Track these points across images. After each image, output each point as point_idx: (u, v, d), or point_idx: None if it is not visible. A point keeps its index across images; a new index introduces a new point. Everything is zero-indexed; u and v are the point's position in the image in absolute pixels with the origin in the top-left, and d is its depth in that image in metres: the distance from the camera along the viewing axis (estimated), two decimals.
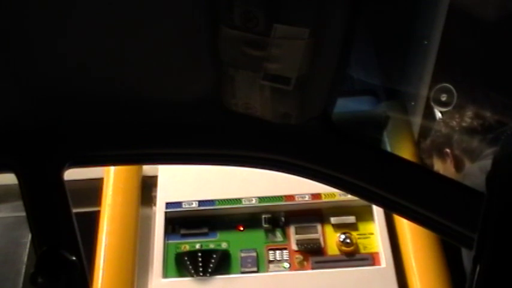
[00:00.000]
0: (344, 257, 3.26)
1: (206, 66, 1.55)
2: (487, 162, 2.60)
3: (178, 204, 3.39)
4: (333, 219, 3.34)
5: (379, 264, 3.22)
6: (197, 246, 3.29)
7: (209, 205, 3.40)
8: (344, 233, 3.29)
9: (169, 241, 3.31)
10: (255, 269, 3.23)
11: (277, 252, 3.28)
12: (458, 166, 2.85)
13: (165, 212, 3.37)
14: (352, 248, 3.27)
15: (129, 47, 1.51)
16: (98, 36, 1.48)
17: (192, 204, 3.40)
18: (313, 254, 3.27)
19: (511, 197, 0.98)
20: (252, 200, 3.39)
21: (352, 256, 3.26)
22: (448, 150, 2.90)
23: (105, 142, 1.76)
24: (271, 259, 3.26)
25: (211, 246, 3.30)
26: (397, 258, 3.23)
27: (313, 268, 3.24)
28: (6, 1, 1.38)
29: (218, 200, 3.40)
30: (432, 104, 3.34)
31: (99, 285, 3.10)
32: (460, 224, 1.61)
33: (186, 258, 3.24)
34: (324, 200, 3.37)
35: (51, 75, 1.58)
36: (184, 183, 3.45)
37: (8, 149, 1.76)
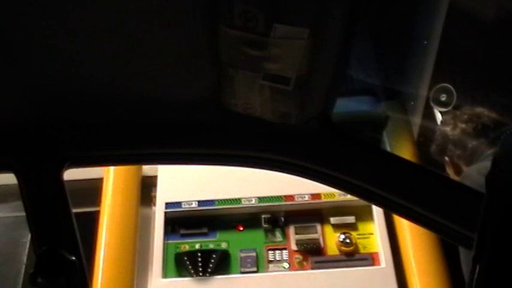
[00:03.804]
0: (344, 257, 3.26)
1: (206, 66, 1.55)
2: (484, 164, 2.61)
3: (178, 204, 3.39)
4: (333, 219, 3.34)
5: (379, 264, 3.22)
6: (197, 246, 3.30)
7: (209, 205, 3.40)
8: (344, 233, 3.29)
9: (169, 241, 3.31)
10: (254, 269, 3.23)
11: (277, 252, 3.28)
12: (458, 172, 2.85)
13: (165, 212, 3.37)
14: (351, 248, 3.27)
15: (129, 47, 1.51)
16: (97, 36, 1.48)
17: (192, 204, 3.40)
18: (312, 254, 3.28)
19: (511, 197, 0.98)
20: (251, 200, 3.39)
21: (352, 256, 3.26)
22: (447, 157, 2.90)
23: (105, 142, 1.76)
24: (270, 259, 3.26)
25: (211, 246, 3.30)
26: (396, 258, 3.23)
27: (312, 268, 3.24)
28: (6, 0, 1.38)
29: (218, 200, 3.40)
30: (432, 104, 3.34)
31: (99, 285, 3.10)
32: (460, 224, 1.61)
33: (185, 258, 3.24)
34: (323, 200, 3.37)
35: (51, 76, 1.58)
36: (184, 183, 3.45)
37: (8, 149, 1.75)
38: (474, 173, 2.58)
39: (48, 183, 1.75)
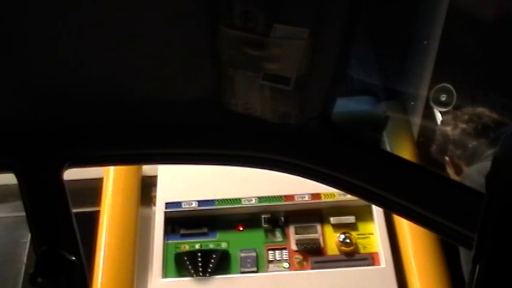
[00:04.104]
0: (344, 257, 3.26)
1: (206, 67, 1.55)
2: (484, 164, 2.61)
3: (178, 204, 3.39)
4: (333, 219, 3.34)
5: (379, 264, 3.22)
6: (197, 246, 3.30)
7: (209, 205, 3.40)
8: (344, 233, 3.29)
9: (169, 241, 3.31)
10: (254, 269, 3.23)
11: (277, 252, 3.28)
12: (459, 172, 2.85)
13: (165, 212, 3.37)
14: (351, 248, 3.27)
15: (129, 47, 1.51)
16: (97, 36, 1.48)
17: (192, 204, 3.40)
18: (312, 254, 3.27)
19: (511, 197, 0.98)
20: (251, 200, 3.39)
21: (352, 256, 3.26)
22: (447, 157, 2.90)
23: (105, 142, 1.76)
24: (270, 259, 3.26)
25: (211, 246, 3.30)
26: (396, 258, 3.23)
27: (312, 268, 3.24)
28: (6, 1, 1.38)
29: (218, 200, 3.40)
30: (432, 104, 3.34)
31: (99, 285, 3.10)
32: (460, 224, 1.61)
33: (185, 258, 3.24)
34: (323, 200, 3.37)
35: (51, 75, 1.58)
36: (184, 183, 3.45)
37: (8, 149, 1.75)
38: (474, 173, 2.58)
39: (48, 183, 1.75)
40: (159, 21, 1.44)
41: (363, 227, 3.34)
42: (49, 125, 1.72)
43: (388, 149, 3.53)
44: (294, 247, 3.29)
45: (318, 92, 1.58)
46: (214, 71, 1.54)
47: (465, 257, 2.52)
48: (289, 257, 3.27)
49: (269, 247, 3.30)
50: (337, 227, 3.33)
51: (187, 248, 3.29)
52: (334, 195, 3.34)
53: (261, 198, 3.39)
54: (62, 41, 1.48)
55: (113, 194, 3.39)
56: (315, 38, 1.40)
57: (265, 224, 3.35)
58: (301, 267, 3.24)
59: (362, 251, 3.27)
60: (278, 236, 3.34)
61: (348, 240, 3.26)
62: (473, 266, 1.01)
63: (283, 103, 1.58)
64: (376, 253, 3.25)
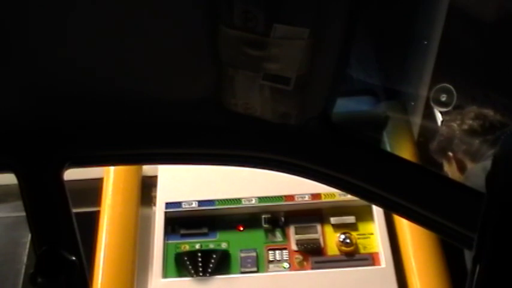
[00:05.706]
0: (344, 257, 3.26)
1: (206, 67, 1.55)
2: (489, 163, 2.60)
3: (178, 204, 3.40)
4: (333, 219, 3.34)
5: (379, 264, 3.22)
6: (197, 246, 3.30)
7: (209, 205, 3.40)
8: (344, 233, 3.29)
9: (169, 241, 3.31)
10: (254, 269, 3.23)
11: (277, 252, 3.28)
12: (462, 168, 2.84)
13: (165, 212, 3.38)
14: (352, 248, 3.27)
15: (129, 47, 1.51)
16: (97, 36, 1.48)
17: (192, 204, 3.40)
18: (313, 254, 3.28)
19: (511, 197, 0.98)
20: (251, 200, 3.39)
21: (352, 256, 3.26)
22: (451, 152, 2.89)
23: (105, 142, 1.76)
24: (271, 259, 3.26)
25: (211, 246, 3.30)
26: (396, 258, 3.23)
27: (313, 268, 3.24)
28: (7, 2, 1.38)
29: (218, 200, 3.40)
30: (432, 104, 3.34)
31: (99, 285, 3.10)
32: (460, 224, 1.61)
33: (185, 258, 3.24)
34: (323, 200, 3.37)
35: (51, 76, 1.58)
36: (184, 183, 3.45)
37: (8, 149, 1.76)
38: (480, 171, 2.57)
39: (48, 183, 1.75)
40: (159, 21, 1.44)
41: (363, 227, 3.34)
42: (49, 125, 1.72)
43: (388, 149, 3.53)
44: (294, 247, 3.29)
45: (318, 92, 1.58)
46: (214, 71, 1.54)
47: (470, 256, 2.52)
48: (289, 257, 3.27)
49: (269, 247, 3.30)
50: (337, 227, 3.33)
51: (187, 248, 3.29)
52: (334, 195, 3.34)
53: (261, 198, 3.39)
54: (63, 42, 1.48)
55: (113, 194, 3.39)
56: (315, 38, 1.40)
57: (265, 224, 3.35)
58: (301, 267, 3.24)
59: (362, 251, 3.27)
60: (278, 236, 3.34)
61: (348, 240, 3.27)
62: (473, 266, 1.01)
63: (283, 103, 1.58)
64: (376, 253, 3.25)
